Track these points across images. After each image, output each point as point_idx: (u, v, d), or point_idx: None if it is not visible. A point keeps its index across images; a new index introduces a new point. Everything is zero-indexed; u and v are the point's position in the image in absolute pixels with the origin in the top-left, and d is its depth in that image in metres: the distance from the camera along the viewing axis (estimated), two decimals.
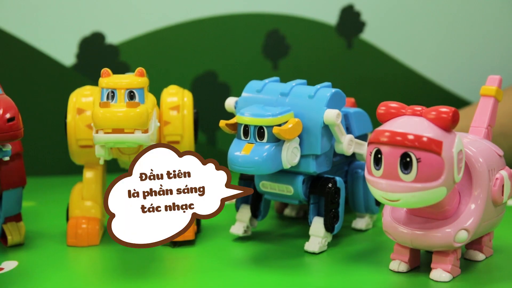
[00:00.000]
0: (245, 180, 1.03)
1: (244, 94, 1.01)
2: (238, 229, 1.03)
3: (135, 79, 0.96)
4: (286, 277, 0.92)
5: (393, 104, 0.87)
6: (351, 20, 1.37)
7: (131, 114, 0.93)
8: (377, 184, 0.84)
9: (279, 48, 1.36)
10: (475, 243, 0.95)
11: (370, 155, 0.85)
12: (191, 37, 1.34)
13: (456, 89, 1.41)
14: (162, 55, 1.35)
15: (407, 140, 0.83)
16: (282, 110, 0.94)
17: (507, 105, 1.23)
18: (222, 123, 0.96)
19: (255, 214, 1.03)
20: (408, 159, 0.82)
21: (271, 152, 0.93)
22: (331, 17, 1.36)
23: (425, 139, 0.83)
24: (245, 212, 1.03)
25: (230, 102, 1.02)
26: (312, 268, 0.95)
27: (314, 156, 0.96)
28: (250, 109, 0.95)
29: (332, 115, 0.94)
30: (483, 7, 1.39)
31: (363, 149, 1.01)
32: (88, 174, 1.05)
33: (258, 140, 0.93)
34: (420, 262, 0.93)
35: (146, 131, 0.94)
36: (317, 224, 0.98)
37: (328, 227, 0.98)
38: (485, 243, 0.95)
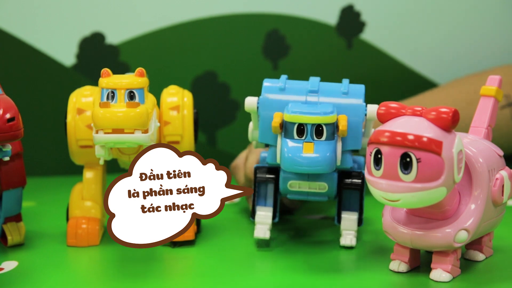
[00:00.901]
0: (263, 183, 1.00)
1: (265, 93, 0.98)
2: (264, 232, 0.99)
3: (135, 79, 0.96)
4: (285, 277, 0.92)
5: (393, 104, 0.87)
6: (351, 20, 1.37)
7: (131, 114, 0.93)
8: (377, 184, 0.84)
9: (279, 48, 1.36)
10: (475, 243, 0.95)
11: (370, 155, 0.85)
12: (191, 37, 1.34)
13: None
14: (162, 55, 1.35)
15: (407, 140, 0.83)
16: (331, 107, 0.94)
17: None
18: (276, 123, 0.93)
19: (274, 215, 1.01)
20: (408, 159, 0.82)
21: (334, 149, 0.93)
22: (331, 17, 1.36)
23: (425, 139, 0.83)
24: (266, 214, 1.00)
25: (251, 102, 0.98)
26: (311, 268, 0.95)
27: (351, 151, 0.97)
28: (301, 107, 0.94)
29: (375, 110, 0.95)
30: (484, 7, 1.39)
31: None
32: (88, 174, 1.05)
33: (316, 138, 0.93)
34: (420, 262, 0.93)
35: (146, 131, 0.94)
36: (349, 219, 0.99)
37: (359, 220, 1.00)
38: (485, 243, 0.95)
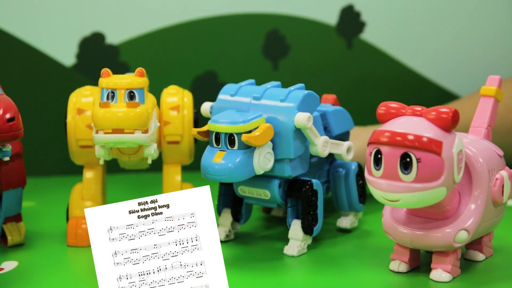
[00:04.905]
0: (226, 185, 1.02)
1: (219, 98, 1.00)
2: (219, 233, 1.01)
3: (135, 79, 0.96)
4: (286, 277, 0.92)
5: (393, 104, 0.87)
6: (351, 20, 1.37)
7: (131, 114, 0.93)
8: (377, 184, 0.84)
9: (279, 48, 1.36)
10: (475, 243, 0.95)
11: (370, 155, 0.85)
12: (191, 37, 1.34)
13: (456, 89, 1.41)
14: (162, 55, 1.35)
15: (407, 140, 0.83)
16: (253, 116, 0.94)
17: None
18: (194, 131, 0.95)
19: (236, 218, 1.03)
20: (408, 159, 0.82)
21: (242, 159, 0.92)
22: (331, 17, 1.36)
23: (425, 139, 0.83)
24: (227, 216, 1.03)
25: (205, 107, 1.01)
26: (312, 268, 0.95)
27: (288, 159, 0.96)
28: (221, 116, 0.94)
29: (302, 119, 0.93)
30: (483, 6, 1.39)
31: (341, 149, 1.01)
32: (88, 174, 1.05)
33: (229, 147, 0.93)
34: (420, 262, 0.93)
35: (146, 131, 0.94)
36: (295, 227, 0.98)
37: (307, 229, 0.98)
38: (485, 243, 0.95)
